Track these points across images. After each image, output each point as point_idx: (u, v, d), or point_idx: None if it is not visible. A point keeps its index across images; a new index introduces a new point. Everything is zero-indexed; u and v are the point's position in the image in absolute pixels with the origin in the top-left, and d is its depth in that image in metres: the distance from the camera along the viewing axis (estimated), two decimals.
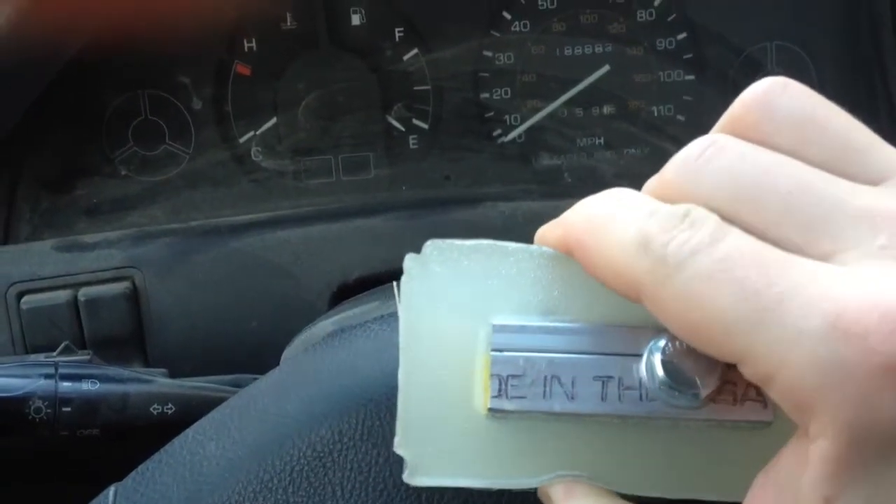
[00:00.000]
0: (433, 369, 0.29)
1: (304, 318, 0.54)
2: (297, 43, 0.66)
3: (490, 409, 0.28)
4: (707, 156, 0.25)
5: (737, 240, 0.23)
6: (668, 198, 0.25)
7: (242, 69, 0.66)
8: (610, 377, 0.28)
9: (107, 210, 0.64)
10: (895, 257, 0.22)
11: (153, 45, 0.63)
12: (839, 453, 0.21)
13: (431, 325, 0.29)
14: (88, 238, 0.60)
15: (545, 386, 0.28)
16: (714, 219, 0.24)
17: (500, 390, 0.28)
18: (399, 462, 0.31)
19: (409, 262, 0.29)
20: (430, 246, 0.29)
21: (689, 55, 0.68)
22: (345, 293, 0.58)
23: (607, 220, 0.26)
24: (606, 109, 0.68)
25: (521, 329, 0.28)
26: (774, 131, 0.25)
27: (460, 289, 0.29)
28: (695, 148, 0.25)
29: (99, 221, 0.63)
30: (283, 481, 0.34)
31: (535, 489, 0.29)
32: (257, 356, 0.42)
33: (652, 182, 0.26)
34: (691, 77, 0.68)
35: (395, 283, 0.29)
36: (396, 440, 0.29)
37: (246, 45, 0.66)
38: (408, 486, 0.33)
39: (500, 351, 0.28)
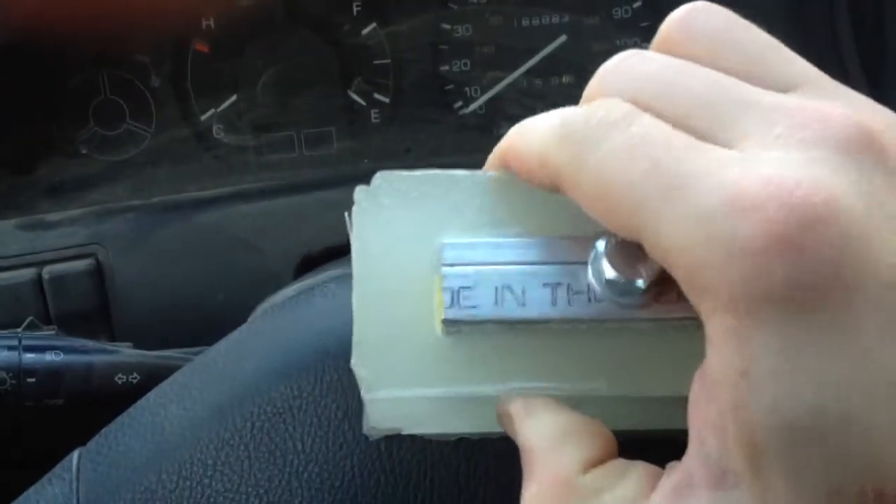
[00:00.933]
0: (387, 290, 0.29)
1: (269, 291, 0.54)
2: (254, 19, 0.66)
3: (444, 321, 0.29)
4: (629, 63, 0.27)
5: (649, 122, 0.25)
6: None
7: (201, 46, 0.66)
8: (559, 283, 0.28)
9: (69, 189, 0.64)
10: (787, 145, 0.23)
11: (111, 25, 0.63)
12: (740, 325, 0.22)
13: (383, 251, 0.29)
14: (51, 216, 0.60)
15: (496, 295, 0.28)
16: (629, 105, 0.25)
17: (452, 302, 0.28)
18: (358, 415, 0.31)
19: (360, 194, 0.30)
20: (379, 177, 0.30)
21: (646, 23, 0.69)
22: (309, 265, 0.58)
23: (534, 124, 0.27)
24: (566, 79, 0.69)
25: (471, 245, 0.29)
26: (693, 45, 0.27)
27: (410, 217, 0.30)
28: (618, 56, 0.27)
29: (61, 200, 0.63)
30: (244, 438, 0.34)
31: (496, 434, 0.30)
32: (223, 329, 0.42)
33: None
34: (648, 45, 0.69)
35: (346, 214, 0.30)
36: (353, 360, 0.29)
37: (204, 22, 0.66)
38: (367, 438, 0.33)
39: (451, 266, 0.29)
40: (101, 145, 0.65)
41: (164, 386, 0.37)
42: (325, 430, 0.34)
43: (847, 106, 0.25)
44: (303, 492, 0.33)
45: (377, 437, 0.33)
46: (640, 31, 0.69)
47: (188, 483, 0.34)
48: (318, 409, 0.34)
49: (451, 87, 0.68)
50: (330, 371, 0.34)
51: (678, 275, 0.24)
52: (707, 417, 0.24)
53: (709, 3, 0.27)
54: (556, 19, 0.68)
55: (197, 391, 0.36)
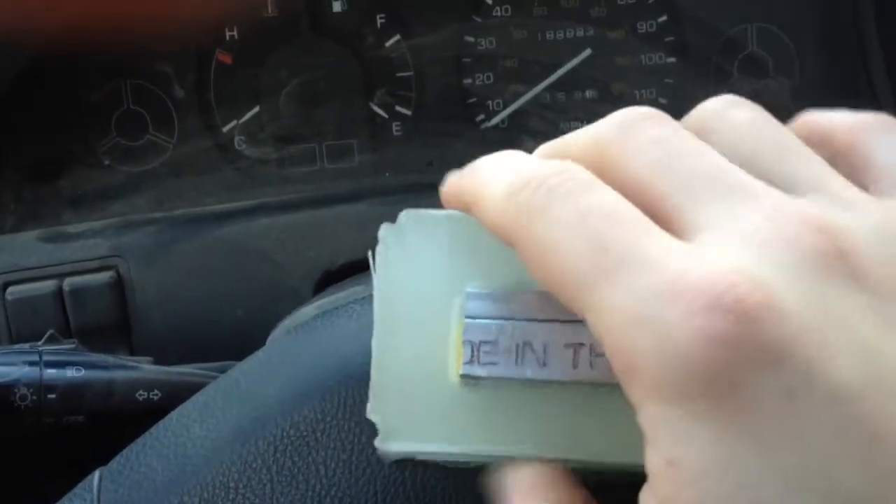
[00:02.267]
0: (407, 336, 0.29)
1: (289, 306, 0.54)
2: (278, 30, 0.66)
3: (462, 376, 0.28)
4: (637, 126, 0.25)
5: (604, 195, 0.24)
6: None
7: (224, 57, 0.66)
8: (581, 344, 0.28)
9: (90, 200, 0.64)
10: (745, 241, 0.22)
11: (135, 35, 0.63)
12: (667, 412, 0.21)
13: (406, 293, 0.29)
14: (72, 228, 0.60)
15: (517, 353, 0.28)
16: (587, 174, 0.24)
17: (472, 356, 0.28)
18: None
19: (385, 231, 0.29)
20: (406, 215, 0.29)
21: (671, 38, 0.69)
22: (329, 280, 0.58)
23: (492, 172, 0.26)
24: (589, 93, 0.69)
25: (495, 296, 0.28)
26: (717, 132, 0.26)
27: (435, 258, 0.29)
28: (629, 112, 0.26)
29: (83, 211, 0.63)
30: (267, 461, 0.34)
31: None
32: (243, 344, 0.42)
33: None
34: (673, 60, 0.69)
35: (370, 252, 0.29)
36: (369, 406, 0.29)
37: (227, 33, 0.66)
38: (391, 464, 0.33)
39: (473, 318, 0.28)
40: (124, 156, 0.65)
41: (187, 405, 0.37)
42: (348, 454, 0.34)
43: (846, 217, 0.23)
44: None
45: (390, 461, 0.32)
46: (665, 46, 0.69)
47: None
48: (342, 433, 0.34)
49: (473, 100, 0.68)
50: (353, 394, 0.34)
51: (610, 357, 0.23)
52: None
53: (743, 99, 0.27)
54: (580, 33, 0.68)
55: (220, 412, 0.36)
